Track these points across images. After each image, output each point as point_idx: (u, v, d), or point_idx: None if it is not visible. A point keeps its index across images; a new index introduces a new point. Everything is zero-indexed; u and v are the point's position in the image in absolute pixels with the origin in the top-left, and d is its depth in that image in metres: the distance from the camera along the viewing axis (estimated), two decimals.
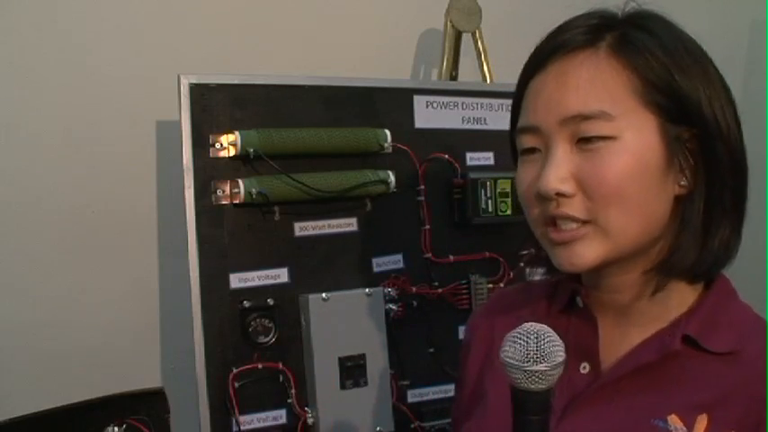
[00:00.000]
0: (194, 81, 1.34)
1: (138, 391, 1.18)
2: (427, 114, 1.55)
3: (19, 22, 1.52)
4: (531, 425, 0.63)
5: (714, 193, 0.75)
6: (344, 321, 1.38)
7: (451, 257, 1.53)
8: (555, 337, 0.63)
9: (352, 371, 1.37)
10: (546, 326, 0.64)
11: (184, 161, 1.33)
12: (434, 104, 1.56)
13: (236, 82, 1.38)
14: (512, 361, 0.62)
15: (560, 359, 0.62)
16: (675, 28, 0.77)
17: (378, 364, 1.40)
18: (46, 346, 1.53)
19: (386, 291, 1.44)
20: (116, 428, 1.16)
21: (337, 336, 1.38)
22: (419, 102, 1.55)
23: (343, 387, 1.37)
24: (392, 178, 1.47)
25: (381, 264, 1.48)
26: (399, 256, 1.51)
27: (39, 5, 1.53)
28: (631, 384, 0.75)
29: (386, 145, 1.47)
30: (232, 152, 1.35)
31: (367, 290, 1.41)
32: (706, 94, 0.73)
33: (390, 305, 1.45)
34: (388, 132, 1.48)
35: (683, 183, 0.74)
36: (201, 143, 1.34)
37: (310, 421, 1.36)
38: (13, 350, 1.51)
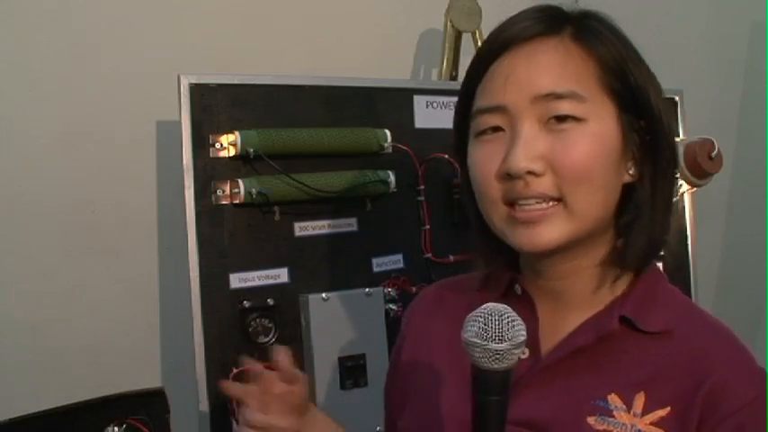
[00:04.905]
0: (194, 81, 1.34)
1: (138, 391, 1.18)
2: (427, 114, 1.55)
3: (19, 23, 1.52)
4: (491, 405, 0.63)
5: (657, 183, 0.78)
6: (344, 321, 1.38)
7: (451, 257, 1.53)
8: (516, 316, 0.64)
9: (352, 371, 1.37)
10: (507, 306, 0.65)
11: (184, 161, 1.33)
12: (434, 104, 1.56)
13: (236, 82, 1.38)
14: (474, 340, 0.62)
15: (522, 338, 0.63)
16: (619, 27, 0.79)
17: (378, 364, 1.39)
18: (46, 346, 1.53)
19: (386, 291, 1.45)
20: (116, 428, 1.16)
21: (337, 336, 1.38)
22: (419, 102, 1.55)
23: (343, 387, 1.37)
24: (392, 178, 1.47)
25: (381, 264, 1.48)
26: (399, 256, 1.51)
27: (39, 6, 1.53)
28: (571, 367, 0.77)
29: (386, 145, 1.47)
30: (232, 152, 1.35)
31: (367, 290, 1.41)
32: (652, 88, 0.77)
33: (390, 305, 1.45)
34: (388, 132, 1.48)
35: (631, 171, 0.78)
36: (201, 143, 1.34)
37: None
38: (13, 350, 1.51)
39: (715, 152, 1.57)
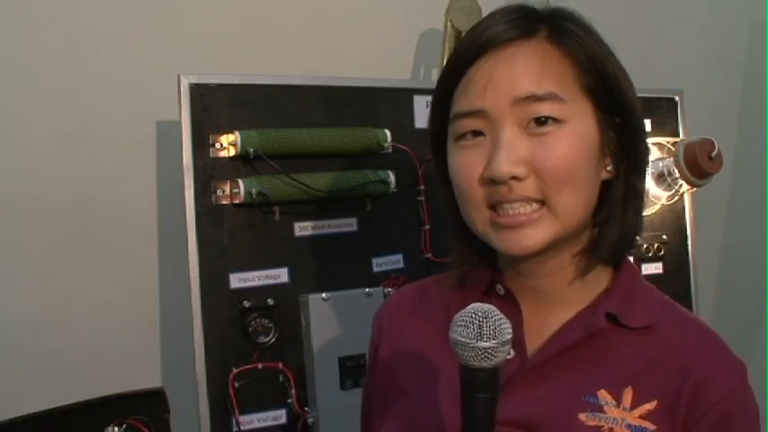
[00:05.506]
0: (194, 81, 1.34)
1: (138, 391, 1.19)
2: (427, 114, 1.55)
3: (19, 23, 1.52)
4: (480, 402, 0.64)
5: (631, 179, 0.80)
6: (344, 321, 1.38)
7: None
8: (502, 315, 0.65)
9: (352, 371, 1.37)
10: (493, 306, 0.66)
11: (184, 161, 1.33)
12: None
13: (236, 82, 1.38)
14: (462, 339, 0.63)
15: (508, 336, 0.64)
16: (591, 24, 0.80)
17: None
18: (46, 346, 1.53)
19: (386, 291, 1.44)
20: (116, 428, 1.16)
21: (337, 336, 1.38)
22: (419, 102, 1.55)
23: (343, 387, 1.37)
24: (392, 178, 1.47)
25: (381, 264, 1.48)
26: (399, 256, 1.51)
27: (39, 6, 1.53)
28: (559, 364, 0.78)
29: (386, 145, 1.47)
30: (232, 152, 1.35)
31: (367, 290, 1.41)
32: (627, 84, 0.78)
33: None
34: (388, 132, 1.48)
35: (608, 168, 0.79)
36: (201, 143, 1.34)
37: (310, 421, 1.36)
38: (13, 350, 1.51)
39: (715, 152, 1.57)
